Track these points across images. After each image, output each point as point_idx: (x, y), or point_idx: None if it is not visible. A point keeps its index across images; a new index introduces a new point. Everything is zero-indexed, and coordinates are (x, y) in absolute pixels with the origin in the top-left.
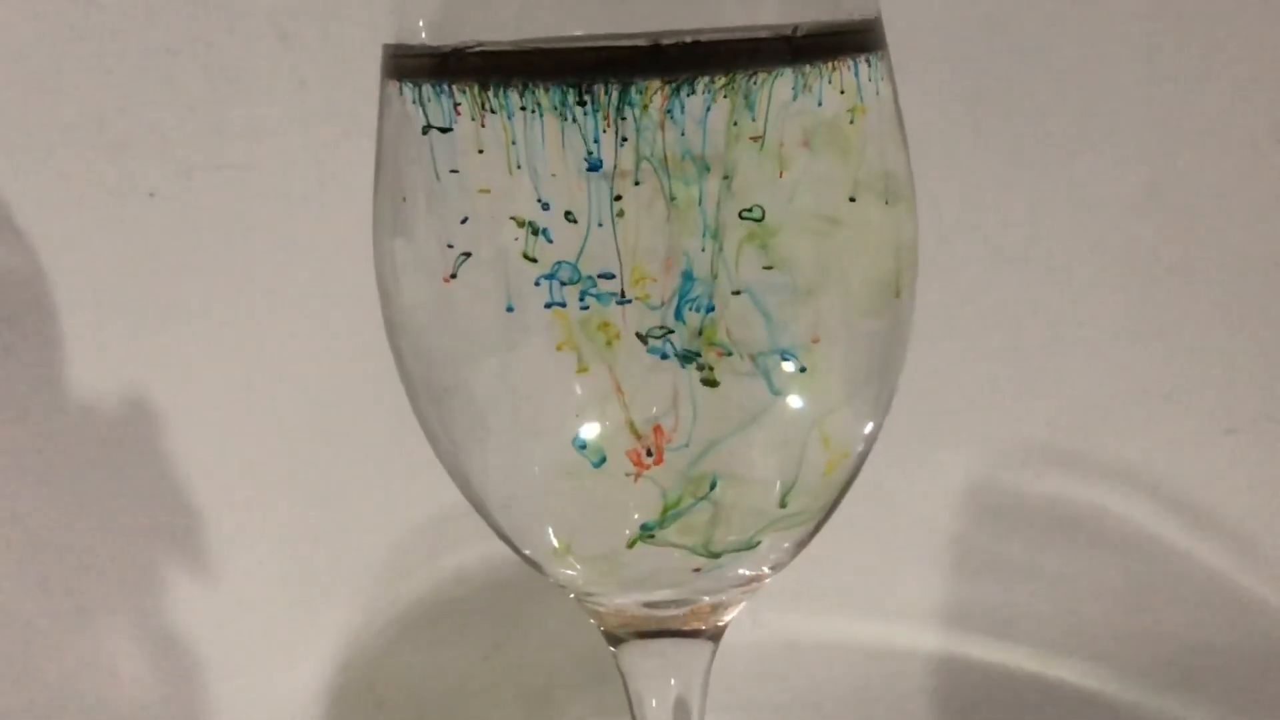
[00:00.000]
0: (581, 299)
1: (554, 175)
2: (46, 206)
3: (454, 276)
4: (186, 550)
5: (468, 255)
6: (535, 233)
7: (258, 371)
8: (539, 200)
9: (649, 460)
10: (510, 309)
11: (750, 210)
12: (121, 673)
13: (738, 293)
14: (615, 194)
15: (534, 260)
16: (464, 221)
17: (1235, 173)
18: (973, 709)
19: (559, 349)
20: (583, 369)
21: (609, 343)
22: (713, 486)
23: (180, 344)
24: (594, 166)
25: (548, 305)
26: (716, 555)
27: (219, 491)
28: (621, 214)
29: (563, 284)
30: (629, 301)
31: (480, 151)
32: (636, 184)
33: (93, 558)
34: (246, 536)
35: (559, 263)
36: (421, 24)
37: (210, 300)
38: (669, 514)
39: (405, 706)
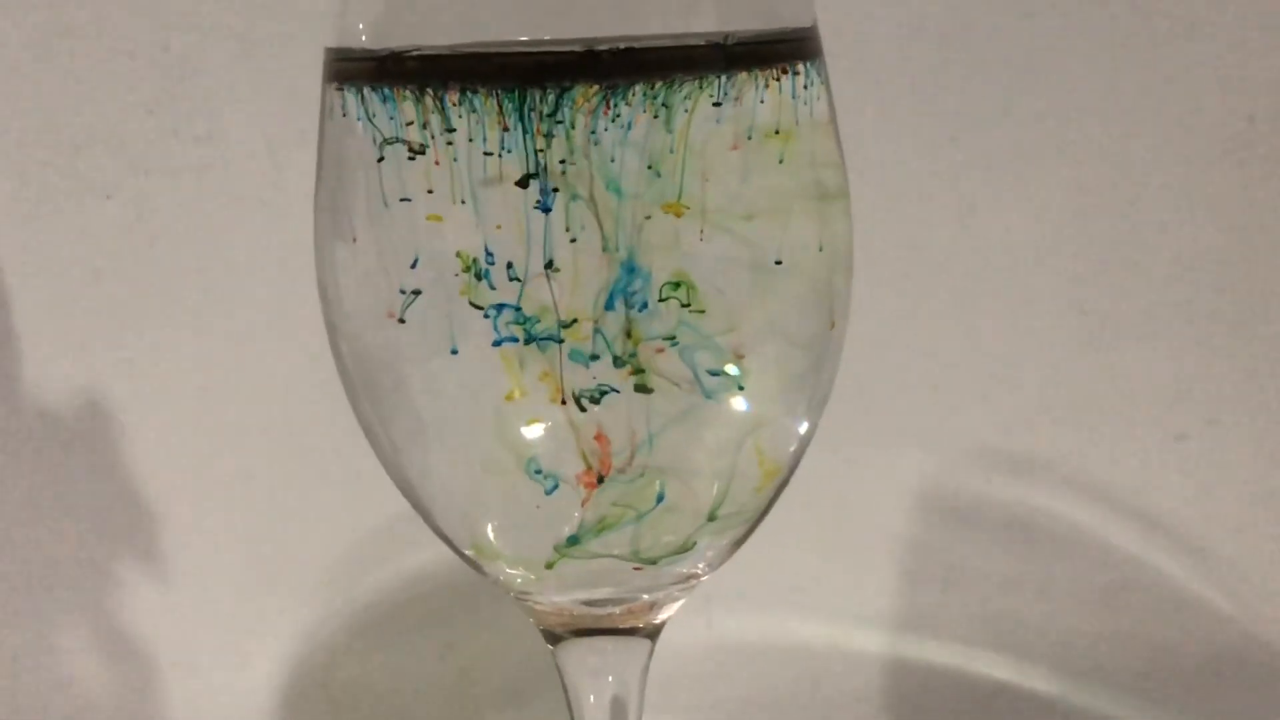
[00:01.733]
0: (528, 341)
1: (499, 227)
2: (2, 208)
3: (401, 321)
4: (140, 549)
5: (417, 294)
6: (480, 277)
7: (213, 372)
8: (485, 248)
9: (598, 483)
10: (455, 351)
11: (675, 286)
12: (74, 672)
13: (671, 338)
14: (548, 259)
15: (479, 308)
16: (413, 265)
17: (1188, 180)
18: (924, 711)
19: (507, 399)
20: (534, 420)
21: (553, 398)
22: (660, 499)
23: (136, 345)
24: (544, 209)
25: (496, 344)
26: (654, 561)
27: (174, 491)
28: (557, 270)
29: (509, 322)
30: (563, 341)
31: (430, 188)
32: (573, 241)
33: (45, 556)
34: (201, 536)
35: (501, 304)
36: (361, 27)
37: (166, 302)
38: (609, 526)
39: (359, 706)
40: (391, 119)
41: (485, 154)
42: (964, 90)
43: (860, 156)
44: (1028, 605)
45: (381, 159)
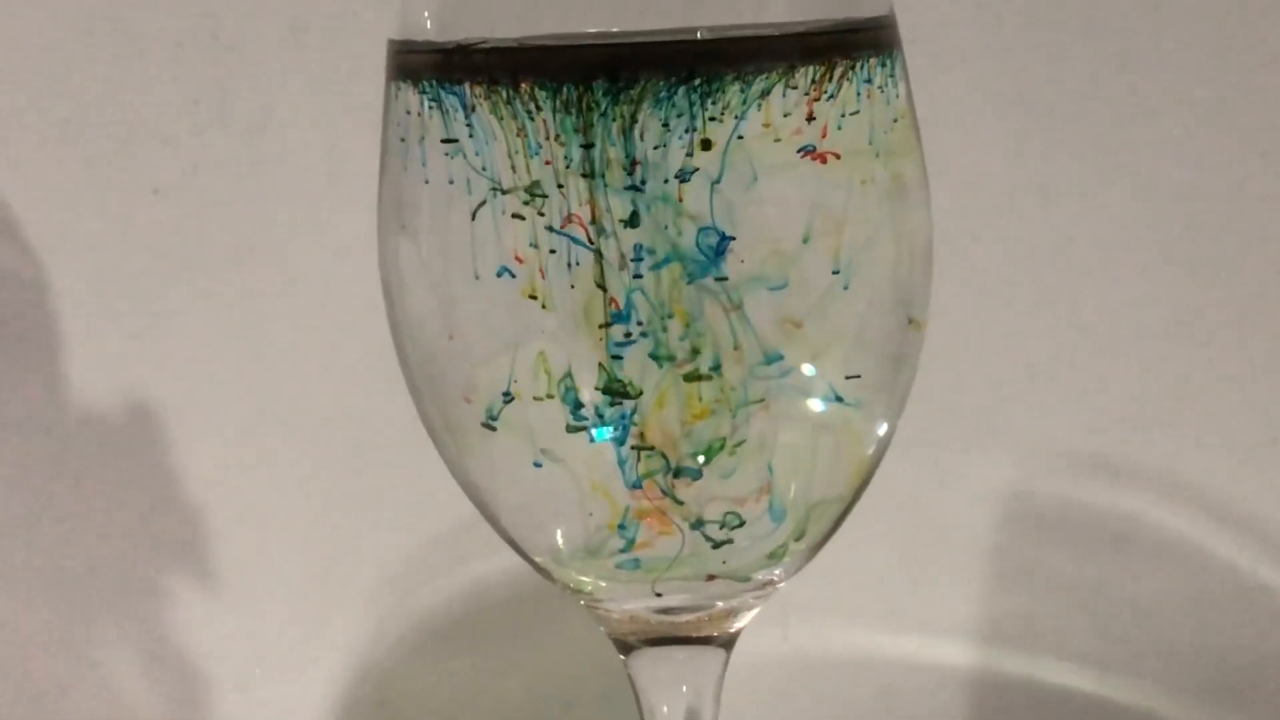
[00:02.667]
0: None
1: (553, 251)
2: (47, 204)
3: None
4: (189, 561)
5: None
6: (544, 306)
7: (266, 374)
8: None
9: (674, 514)
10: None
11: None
12: (124, 688)
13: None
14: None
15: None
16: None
17: None
18: None
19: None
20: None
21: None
22: (739, 524)
23: (185, 346)
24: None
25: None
26: (745, 579)
27: (225, 499)
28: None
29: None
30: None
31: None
32: (638, 276)
33: (94, 568)
34: (253, 546)
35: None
36: (427, 15)
37: (216, 301)
38: (683, 558)
39: None
40: (466, 123)
41: (545, 163)
42: (1049, 70)
43: (940, 146)
44: (1119, 617)
45: (439, 160)
